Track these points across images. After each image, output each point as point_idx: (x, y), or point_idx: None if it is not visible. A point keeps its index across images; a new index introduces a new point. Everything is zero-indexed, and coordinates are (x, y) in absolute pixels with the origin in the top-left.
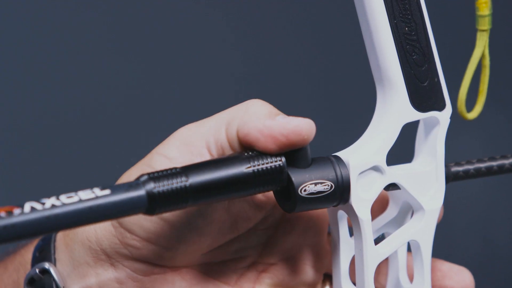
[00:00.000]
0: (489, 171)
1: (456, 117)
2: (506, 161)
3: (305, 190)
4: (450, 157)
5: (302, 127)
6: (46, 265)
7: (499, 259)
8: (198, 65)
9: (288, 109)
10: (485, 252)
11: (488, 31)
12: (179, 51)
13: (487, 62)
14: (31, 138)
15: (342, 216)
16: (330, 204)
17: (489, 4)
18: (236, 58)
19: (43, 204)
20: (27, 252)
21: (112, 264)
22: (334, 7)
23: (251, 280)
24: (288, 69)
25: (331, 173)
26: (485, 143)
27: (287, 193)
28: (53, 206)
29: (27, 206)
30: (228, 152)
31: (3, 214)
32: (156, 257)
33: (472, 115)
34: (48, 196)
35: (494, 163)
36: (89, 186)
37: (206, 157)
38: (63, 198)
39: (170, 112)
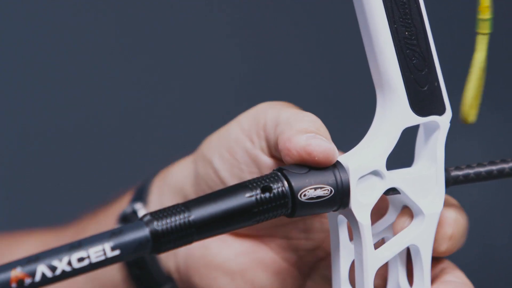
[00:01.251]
0: (489, 175)
1: (457, 120)
2: (506, 165)
3: (304, 195)
4: (451, 160)
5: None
6: (137, 205)
7: (498, 262)
8: (199, 66)
9: None
10: (484, 255)
11: (489, 35)
12: (179, 52)
13: (484, 65)
14: (31, 139)
15: (342, 221)
16: (330, 209)
17: (491, 8)
18: (238, 60)
19: (54, 269)
20: (126, 197)
21: None
22: (337, 9)
23: (308, 266)
24: (289, 71)
25: (330, 178)
26: (486, 146)
27: None
28: (63, 272)
29: (39, 272)
30: (263, 143)
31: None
32: None
33: (473, 118)
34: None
35: (494, 167)
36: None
37: (254, 139)
38: (74, 261)
39: (170, 112)
